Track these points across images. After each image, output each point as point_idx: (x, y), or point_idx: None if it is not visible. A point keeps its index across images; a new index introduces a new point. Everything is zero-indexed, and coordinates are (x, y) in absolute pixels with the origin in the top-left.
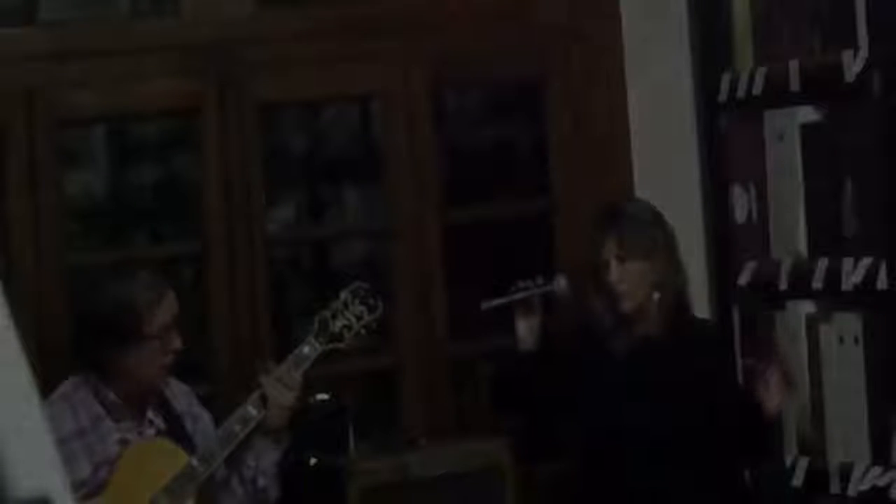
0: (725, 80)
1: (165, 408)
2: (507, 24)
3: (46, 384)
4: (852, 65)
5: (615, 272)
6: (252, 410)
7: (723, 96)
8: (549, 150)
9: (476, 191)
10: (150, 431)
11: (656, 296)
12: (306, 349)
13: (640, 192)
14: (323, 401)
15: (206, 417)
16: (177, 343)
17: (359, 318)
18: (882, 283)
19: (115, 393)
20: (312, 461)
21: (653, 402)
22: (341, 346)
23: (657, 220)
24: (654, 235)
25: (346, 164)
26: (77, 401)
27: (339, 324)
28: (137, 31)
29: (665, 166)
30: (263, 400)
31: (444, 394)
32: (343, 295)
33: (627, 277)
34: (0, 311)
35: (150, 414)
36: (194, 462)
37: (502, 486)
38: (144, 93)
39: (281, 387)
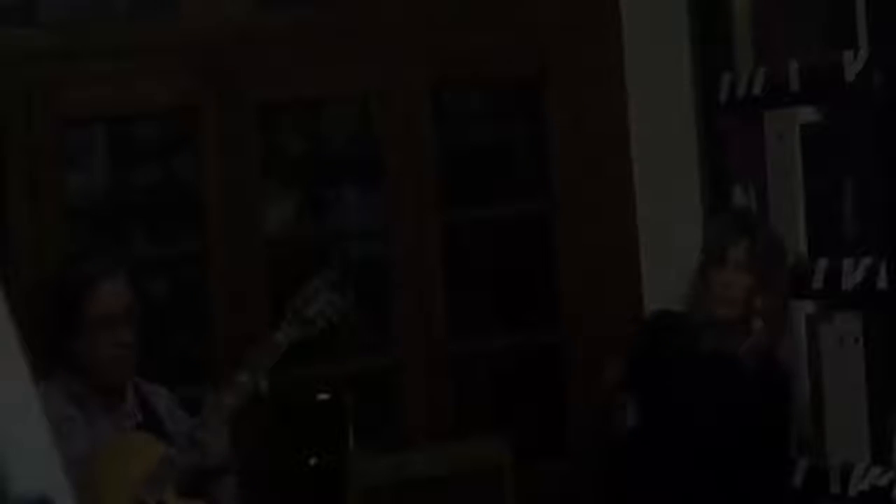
0: (725, 80)
1: (144, 405)
2: (507, 24)
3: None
4: (852, 65)
5: (730, 276)
6: (229, 399)
7: (723, 96)
8: (549, 150)
9: (476, 191)
10: (129, 423)
11: (759, 324)
12: (279, 336)
13: (640, 191)
14: (323, 401)
15: (186, 419)
16: (125, 336)
17: (331, 303)
18: (882, 283)
19: (87, 389)
20: (312, 461)
21: (718, 415)
22: (314, 332)
23: (784, 251)
24: (780, 261)
25: (346, 163)
26: (48, 401)
27: (311, 310)
28: (137, 31)
29: (665, 166)
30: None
31: (444, 394)
32: (315, 282)
33: (738, 287)
34: (0, 311)
35: (128, 408)
36: (171, 452)
37: (502, 486)
38: (144, 93)
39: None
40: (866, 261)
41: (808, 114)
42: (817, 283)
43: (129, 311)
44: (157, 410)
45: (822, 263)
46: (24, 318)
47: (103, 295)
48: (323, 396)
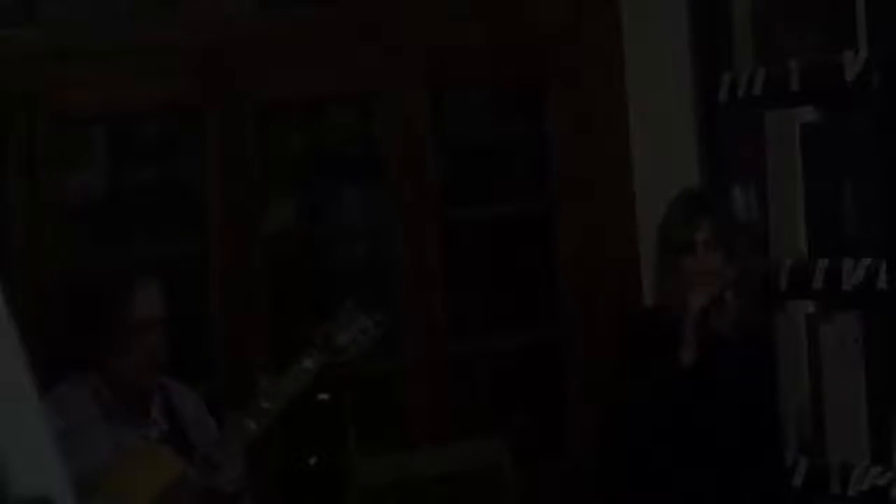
0: (725, 80)
1: (171, 412)
2: (507, 24)
3: (46, 384)
4: (852, 65)
5: (701, 259)
6: (251, 423)
7: (723, 96)
8: (549, 150)
9: (476, 191)
10: (153, 433)
11: (730, 295)
12: (308, 362)
13: (640, 191)
14: (323, 401)
15: (212, 426)
16: (157, 344)
17: (364, 332)
18: (882, 283)
19: (113, 393)
20: (312, 461)
21: (717, 404)
22: (344, 360)
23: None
24: (742, 230)
25: (346, 163)
26: (71, 400)
27: (343, 337)
28: (137, 31)
29: (665, 166)
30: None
31: (444, 394)
32: (348, 306)
33: (709, 267)
34: (0, 311)
35: (154, 414)
36: (189, 470)
37: (502, 486)
38: (144, 93)
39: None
40: (866, 261)
41: (808, 114)
42: (817, 283)
43: (161, 318)
44: (182, 418)
45: (822, 263)
46: (28, 317)
47: (137, 302)
48: (323, 396)
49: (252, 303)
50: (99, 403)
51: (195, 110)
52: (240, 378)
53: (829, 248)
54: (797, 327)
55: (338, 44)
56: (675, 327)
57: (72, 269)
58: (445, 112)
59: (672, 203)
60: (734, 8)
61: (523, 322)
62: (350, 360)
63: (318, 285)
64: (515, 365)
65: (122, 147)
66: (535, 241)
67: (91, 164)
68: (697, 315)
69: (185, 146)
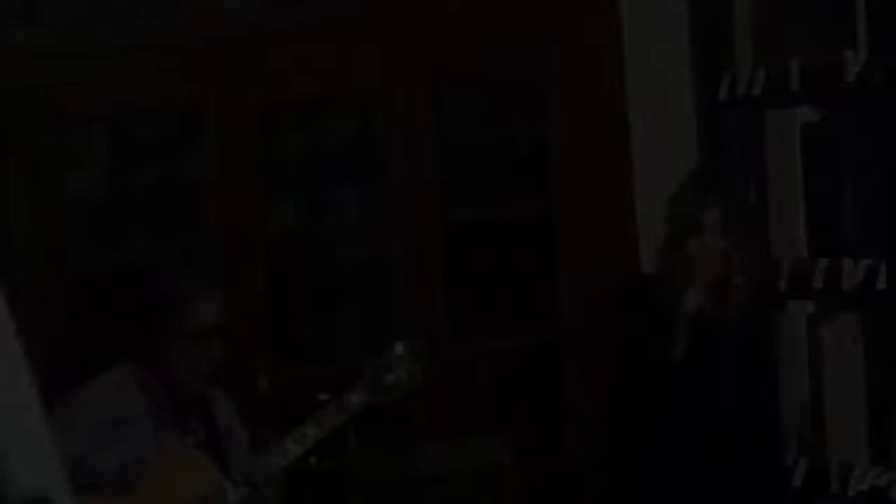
0: (725, 80)
1: (209, 420)
2: (506, 25)
3: (46, 385)
4: (852, 65)
5: (707, 242)
6: (292, 447)
7: (723, 96)
8: (549, 150)
9: (476, 191)
10: (190, 440)
11: (739, 280)
12: (354, 398)
13: (640, 191)
14: (323, 401)
15: (244, 438)
16: (216, 352)
17: (411, 374)
18: (882, 283)
19: (163, 392)
20: (312, 461)
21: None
22: (389, 399)
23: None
24: (750, 215)
25: (346, 164)
26: (123, 389)
27: (391, 378)
28: (137, 31)
29: (665, 166)
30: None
31: (444, 394)
32: (398, 349)
33: (712, 253)
34: (0, 311)
35: (192, 422)
36: (226, 484)
37: (502, 486)
38: (144, 93)
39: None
40: (866, 261)
41: (808, 114)
42: (817, 283)
43: (222, 327)
44: (218, 427)
45: (822, 263)
46: (28, 317)
47: (202, 308)
48: (323, 396)
49: (252, 303)
50: (147, 398)
51: (195, 110)
52: (240, 378)
53: (829, 248)
54: (797, 327)
55: (338, 44)
56: (670, 309)
57: (131, 267)
58: (445, 112)
59: (683, 181)
60: (734, 8)
61: (523, 322)
62: (392, 400)
63: (318, 285)
64: (515, 365)
65: (122, 147)
66: (535, 241)
67: (91, 164)
68: (692, 312)
69: (185, 146)
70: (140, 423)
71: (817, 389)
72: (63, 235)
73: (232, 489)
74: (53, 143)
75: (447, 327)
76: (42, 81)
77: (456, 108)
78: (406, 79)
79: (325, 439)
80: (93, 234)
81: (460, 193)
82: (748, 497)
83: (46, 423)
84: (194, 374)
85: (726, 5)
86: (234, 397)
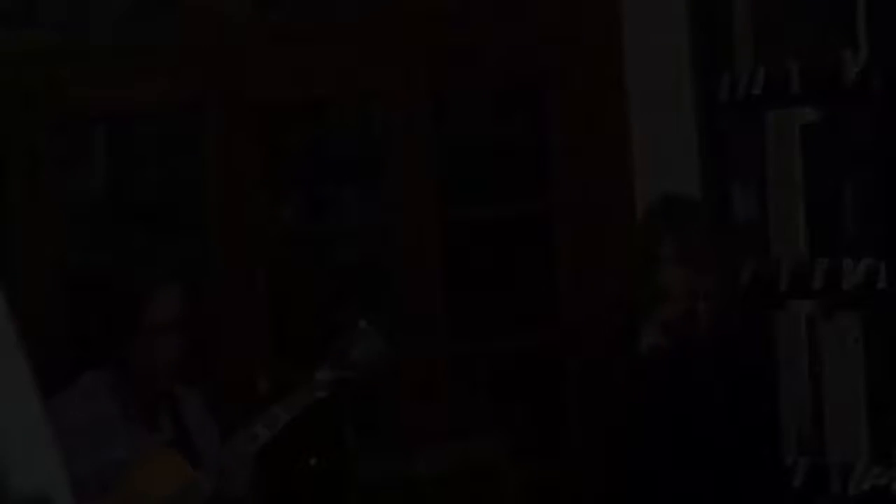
0: (725, 80)
1: (177, 417)
2: (507, 24)
3: (46, 384)
4: (852, 65)
5: (665, 272)
6: (262, 431)
7: (723, 96)
8: (550, 150)
9: (476, 191)
10: (160, 438)
11: (702, 305)
12: (321, 374)
13: (640, 192)
14: (323, 401)
15: (215, 431)
16: (177, 346)
17: (377, 349)
18: (882, 283)
19: (132, 393)
20: (312, 461)
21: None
22: (356, 376)
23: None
24: (713, 240)
25: (346, 163)
26: (93, 394)
27: (356, 354)
28: (137, 31)
29: (665, 166)
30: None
31: (443, 394)
32: (362, 325)
33: (680, 281)
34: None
35: (160, 420)
36: (199, 477)
37: (502, 485)
38: (144, 93)
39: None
40: (866, 261)
41: (808, 114)
42: (817, 283)
43: (182, 321)
44: (188, 423)
45: (822, 263)
46: (28, 317)
47: (158, 304)
48: (322, 396)
49: (252, 303)
50: (119, 401)
51: (195, 110)
52: (240, 378)
53: (829, 248)
54: (797, 327)
55: (338, 44)
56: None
57: (92, 268)
58: (445, 112)
59: (646, 212)
60: (734, 8)
61: (523, 322)
62: (359, 376)
63: (317, 285)
64: (515, 365)
65: (122, 147)
66: (535, 241)
67: (91, 164)
68: (650, 348)
69: (185, 146)
70: (112, 426)
71: (817, 389)
72: (63, 235)
73: (205, 481)
74: (53, 143)
75: (447, 327)
76: (42, 81)
77: (456, 108)
78: (406, 79)
79: (326, 439)
80: (92, 234)
81: (460, 193)
82: (748, 497)
83: (47, 423)
84: (157, 370)
85: (726, 5)
86: (234, 397)
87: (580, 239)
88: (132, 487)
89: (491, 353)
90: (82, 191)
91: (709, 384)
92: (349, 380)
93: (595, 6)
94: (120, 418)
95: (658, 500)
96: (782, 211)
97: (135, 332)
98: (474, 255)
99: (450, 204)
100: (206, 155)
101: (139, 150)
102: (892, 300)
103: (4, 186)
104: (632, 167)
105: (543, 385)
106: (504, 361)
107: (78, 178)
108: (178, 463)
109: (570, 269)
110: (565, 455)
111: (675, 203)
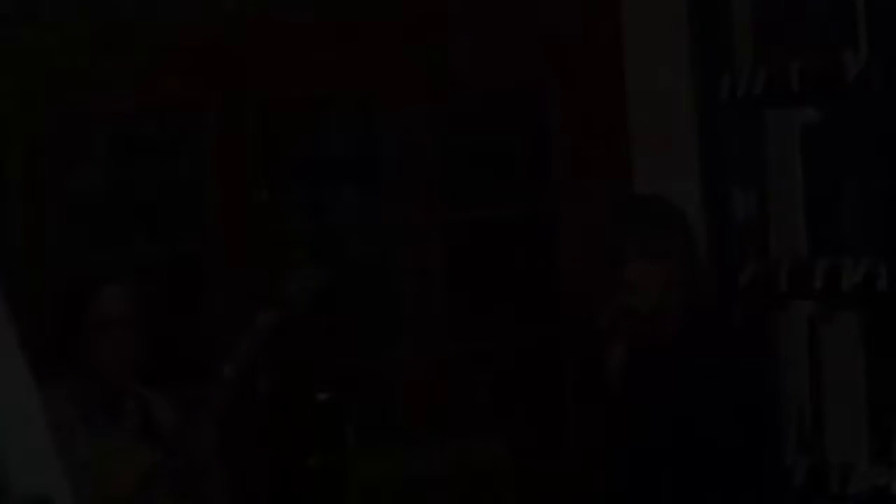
0: (725, 80)
1: (146, 414)
2: (507, 25)
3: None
4: (852, 65)
5: (634, 271)
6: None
7: (723, 96)
8: (550, 150)
9: (476, 191)
10: (125, 434)
11: (672, 300)
12: (261, 318)
13: (640, 191)
14: (323, 401)
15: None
16: (128, 342)
17: (308, 277)
18: (882, 283)
19: (89, 396)
20: (312, 461)
21: (656, 414)
22: (297, 311)
23: (681, 218)
24: (679, 235)
25: (346, 163)
26: (49, 402)
27: (290, 287)
28: (138, 31)
29: (665, 166)
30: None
31: (443, 393)
32: (293, 258)
33: (644, 279)
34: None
35: (124, 418)
36: (159, 457)
37: (502, 485)
38: (145, 92)
39: None
40: (866, 261)
41: (808, 114)
42: (817, 283)
43: (131, 315)
44: (155, 418)
45: (822, 263)
46: (28, 318)
47: (105, 298)
48: (323, 396)
49: (252, 303)
50: (76, 405)
51: (195, 110)
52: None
53: (829, 248)
54: (797, 327)
55: (338, 44)
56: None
57: (46, 270)
58: (445, 112)
59: (614, 212)
60: (734, 8)
61: (523, 322)
62: (300, 313)
63: (318, 285)
64: (515, 365)
65: (122, 147)
66: (535, 241)
67: (91, 164)
68: (633, 320)
69: (185, 146)
70: (74, 429)
71: (817, 389)
72: (63, 235)
73: (166, 460)
74: (53, 143)
75: (447, 327)
76: (42, 81)
77: (455, 109)
78: (406, 79)
79: (325, 439)
80: (92, 234)
81: (460, 193)
82: (748, 497)
83: (47, 423)
84: (112, 366)
85: (726, 5)
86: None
87: (580, 239)
88: (99, 483)
89: (491, 353)
90: (82, 191)
91: (709, 384)
92: (291, 318)
93: (595, 6)
94: (79, 420)
95: (658, 500)
96: (782, 211)
97: (86, 329)
98: (474, 256)
99: (450, 204)
100: (206, 155)
101: (139, 150)
102: (892, 300)
103: (4, 186)
104: (632, 167)
105: (543, 385)
106: (504, 361)
107: (78, 178)
108: (134, 451)
109: (570, 269)
110: (565, 455)
111: (636, 200)
